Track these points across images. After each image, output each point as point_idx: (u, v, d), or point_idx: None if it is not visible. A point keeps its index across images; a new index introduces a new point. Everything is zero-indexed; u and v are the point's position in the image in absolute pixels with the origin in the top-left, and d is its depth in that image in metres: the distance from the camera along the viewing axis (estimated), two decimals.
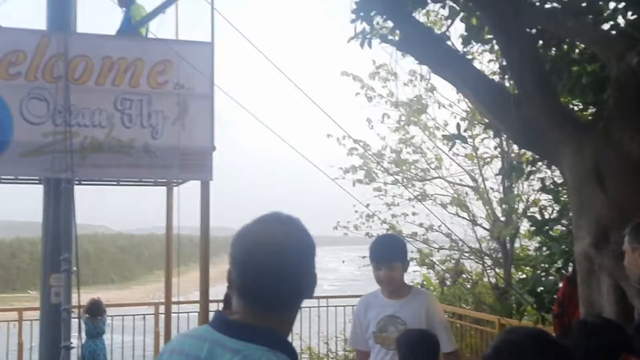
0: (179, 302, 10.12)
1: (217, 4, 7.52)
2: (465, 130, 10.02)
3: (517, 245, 11.62)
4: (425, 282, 12.25)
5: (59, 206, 7.38)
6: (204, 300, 7.46)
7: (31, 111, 6.84)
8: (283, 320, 1.77)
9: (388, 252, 4.12)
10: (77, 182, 7.75)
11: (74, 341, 7.57)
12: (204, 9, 7.55)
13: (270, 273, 1.70)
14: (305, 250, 1.78)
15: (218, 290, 10.05)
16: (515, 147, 10.10)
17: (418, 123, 11.64)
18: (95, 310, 10.18)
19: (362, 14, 5.33)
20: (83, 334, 9.35)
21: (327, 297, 11.20)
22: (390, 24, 5.51)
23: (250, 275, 1.71)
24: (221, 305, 10.51)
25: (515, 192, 11.11)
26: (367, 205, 10.40)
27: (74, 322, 7.74)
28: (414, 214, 12.14)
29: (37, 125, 6.85)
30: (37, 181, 8.44)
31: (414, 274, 12.47)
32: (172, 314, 9.64)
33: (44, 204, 7.52)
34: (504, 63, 5.45)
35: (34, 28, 7.28)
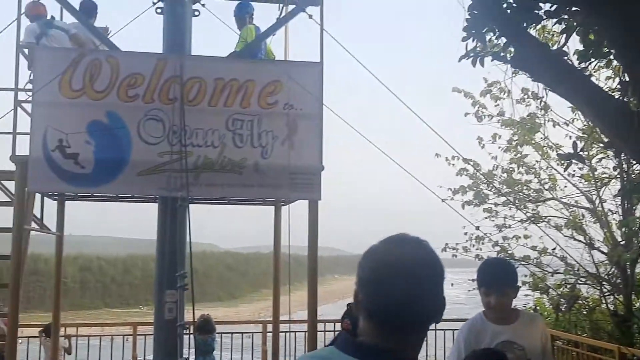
0: (288, 322, 10.16)
1: (325, 23, 7.58)
2: (582, 150, 9.60)
3: (638, 270, 10.98)
4: (538, 307, 11.76)
5: (174, 224, 7.60)
6: (312, 319, 7.44)
7: (148, 132, 7.08)
8: (412, 342, 1.71)
9: (499, 279, 3.97)
10: (190, 201, 7.98)
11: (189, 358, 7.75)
12: (311, 27, 7.61)
13: (401, 296, 1.63)
14: (436, 273, 1.71)
15: (323, 310, 10.02)
16: (636, 166, 9.60)
17: (531, 142, 11.24)
18: (205, 328, 10.37)
19: (473, 31, 5.18)
20: (192, 351, 9.56)
21: None
22: (503, 40, 5.34)
23: (381, 297, 1.66)
24: (327, 325, 10.51)
25: (637, 215, 10.52)
26: (478, 227, 10.10)
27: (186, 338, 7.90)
28: (526, 236, 11.72)
29: (154, 145, 7.08)
30: (152, 199, 8.76)
31: (526, 299, 12.02)
32: (280, 333, 9.69)
33: (159, 222, 7.75)
34: (626, 79, 5.15)
35: (151, 52, 7.55)
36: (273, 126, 7.34)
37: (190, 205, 7.73)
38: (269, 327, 10.05)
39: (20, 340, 9.76)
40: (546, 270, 11.80)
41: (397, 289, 1.63)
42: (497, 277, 3.99)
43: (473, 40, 5.27)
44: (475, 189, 11.63)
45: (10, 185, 7.92)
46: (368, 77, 7.63)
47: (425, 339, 1.77)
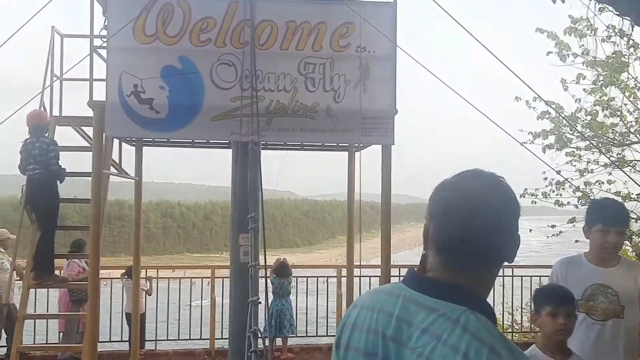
0: (360, 266, 10.20)
1: None
2: None
3: None
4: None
5: (246, 169, 7.64)
6: (386, 265, 7.39)
7: (220, 76, 7.07)
8: (482, 279, 1.61)
9: (621, 215, 3.89)
10: (263, 146, 7.99)
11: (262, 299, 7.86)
12: None
13: (472, 227, 1.54)
14: (510, 209, 1.61)
15: (399, 257, 9.97)
16: None
17: (617, 83, 10.66)
18: (283, 271, 10.54)
19: None
20: (270, 293, 9.72)
21: (512, 267, 10.81)
22: None
23: (450, 228, 1.57)
24: (402, 271, 10.48)
25: None
26: (559, 172, 9.73)
27: (262, 281, 8.02)
28: (609, 181, 11.23)
29: (226, 90, 7.07)
30: (226, 145, 8.82)
31: None
32: (354, 278, 9.74)
33: (232, 167, 7.81)
34: None
35: None
36: (345, 69, 7.20)
37: (268, 153, 7.74)
38: (344, 272, 10.10)
39: (104, 282, 10.16)
40: (631, 217, 11.34)
41: (468, 219, 1.55)
42: (618, 213, 3.92)
43: None
44: (556, 132, 11.18)
45: (89, 131, 8.12)
46: (444, 17, 7.31)
47: (494, 278, 1.67)
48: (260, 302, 6.38)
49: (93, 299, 7.04)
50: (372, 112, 7.20)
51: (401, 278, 1.71)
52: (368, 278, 10.97)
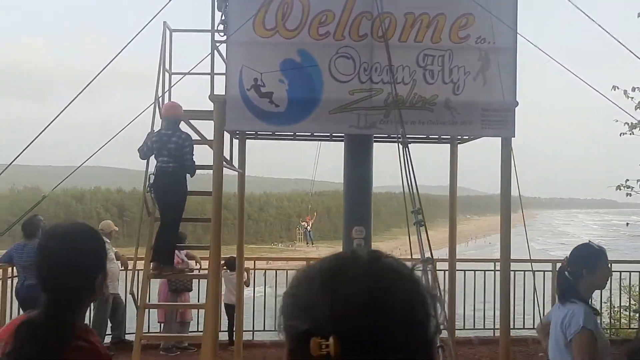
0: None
1: None
2: None
3: None
4: None
5: (360, 162, 7.65)
6: (451, 258, 7.31)
7: (339, 69, 7.07)
8: None
9: None
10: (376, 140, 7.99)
11: None
12: None
13: None
14: None
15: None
16: None
17: None
18: None
19: None
20: None
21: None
22: None
23: None
24: (460, 265, 10.35)
25: None
26: None
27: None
28: None
29: (345, 83, 7.07)
30: (325, 137, 8.84)
31: None
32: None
33: (345, 159, 7.83)
34: None
35: None
36: (465, 61, 7.12)
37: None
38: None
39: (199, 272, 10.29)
40: None
41: None
42: None
43: None
44: None
45: (203, 124, 8.23)
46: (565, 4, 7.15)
47: None
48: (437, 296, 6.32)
49: (214, 289, 7.15)
50: (491, 104, 7.12)
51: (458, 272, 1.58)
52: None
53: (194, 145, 7.66)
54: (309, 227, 64.34)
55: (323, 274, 1.05)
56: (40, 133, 6.88)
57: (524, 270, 10.28)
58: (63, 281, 2.05)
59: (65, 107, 7.09)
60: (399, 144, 5.10)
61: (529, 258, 8.30)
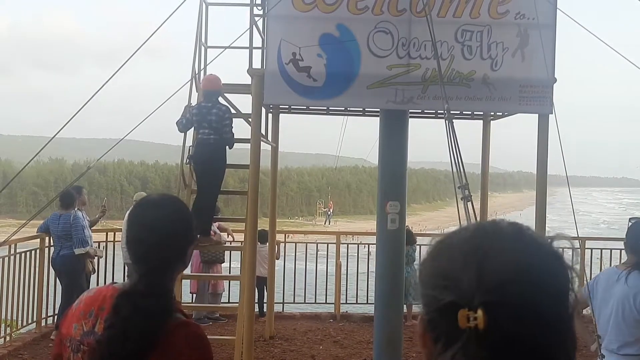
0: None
1: None
2: None
3: None
4: None
5: (395, 137, 7.67)
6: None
7: (377, 44, 7.08)
8: None
9: None
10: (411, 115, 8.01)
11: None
12: None
13: None
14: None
15: None
16: None
17: None
18: (407, 239, 10.56)
19: None
20: None
21: None
22: None
23: None
24: None
25: None
26: None
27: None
28: None
29: (383, 58, 7.08)
30: (357, 112, 8.86)
31: None
32: None
33: (381, 135, 7.85)
34: None
35: None
36: (504, 37, 7.10)
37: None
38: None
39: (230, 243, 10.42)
40: None
41: None
42: None
43: None
44: None
45: (236, 98, 8.29)
46: None
47: None
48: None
49: (250, 261, 7.26)
50: (530, 81, 7.10)
51: None
52: None
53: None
54: (330, 212, 77.60)
55: (466, 245, 1.06)
56: (81, 108, 6.93)
57: None
58: (159, 252, 2.04)
59: (99, 89, 7.12)
60: (445, 120, 5.10)
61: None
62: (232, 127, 7.53)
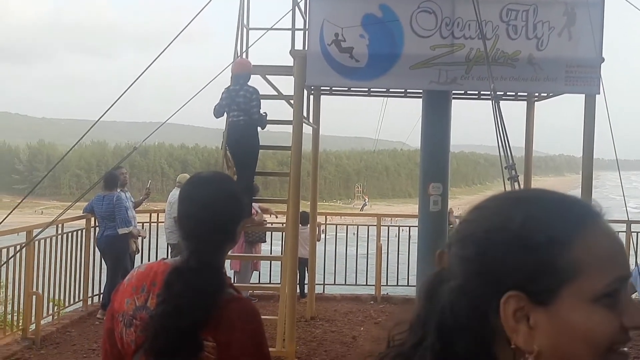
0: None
1: None
2: None
3: None
4: None
5: (439, 118, 7.62)
6: None
7: (420, 24, 7.01)
8: None
9: None
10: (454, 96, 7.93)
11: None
12: None
13: None
14: None
15: None
16: None
17: None
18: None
19: None
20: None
21: None
22: None
23: None
24: None
25: None
26: None
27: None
28: None
29: (426, 38, 7.01)
30: (401, 94, 8.79)
31: None
32: None
33: (423, 116, 7.80)
34: None
35: None
36: (550, 16, 6.97)
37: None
38: None
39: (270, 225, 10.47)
40: None
41: None
42: None
43: None
44: None
45: (281, 80, 8.29)
46: None
47: None
48: None
49: (292, 242, 7.30)
50: (576, 61, 6.97)
51: None
52: None
53: (272, 101, 7.73)
54: (366, 200, 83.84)
55: None
56: (124, 92, 6.96)
57: None
58: (209, 229, 2.03)
59: (143, 72, 7.13)
60: (492, 100, 5.05)
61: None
62: (260, 107, 7.45)
